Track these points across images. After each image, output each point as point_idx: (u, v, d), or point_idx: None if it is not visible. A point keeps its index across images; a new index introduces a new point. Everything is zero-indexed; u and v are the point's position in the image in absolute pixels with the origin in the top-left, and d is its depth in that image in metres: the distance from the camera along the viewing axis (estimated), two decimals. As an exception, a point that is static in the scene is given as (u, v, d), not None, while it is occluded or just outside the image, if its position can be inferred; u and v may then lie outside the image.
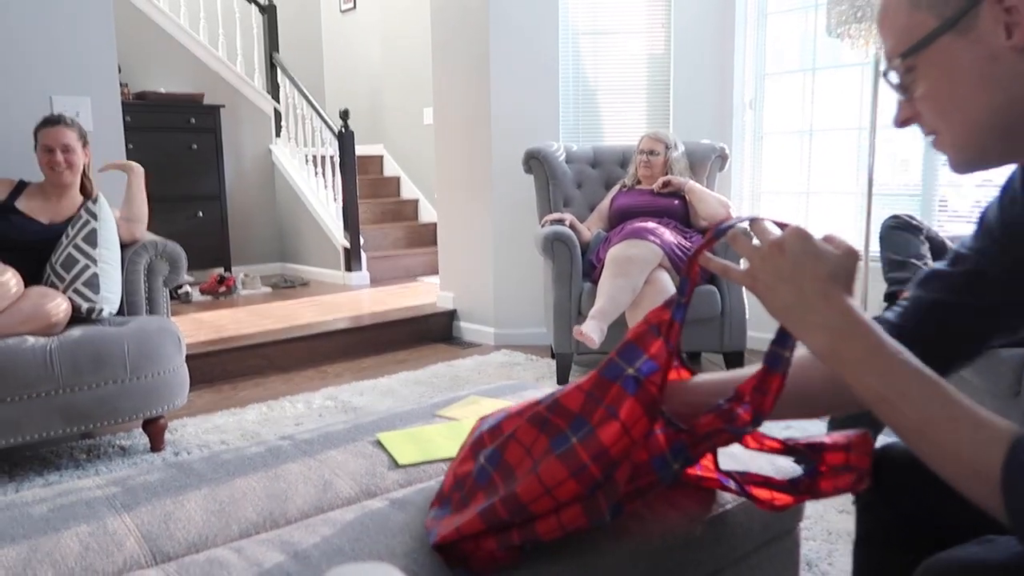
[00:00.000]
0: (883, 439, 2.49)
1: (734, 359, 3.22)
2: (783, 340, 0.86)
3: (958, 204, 3.42)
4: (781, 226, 0.77)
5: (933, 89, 0.71)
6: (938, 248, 2.38)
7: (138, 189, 2.75)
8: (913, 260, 2.27)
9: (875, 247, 3.02)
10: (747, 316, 3.22)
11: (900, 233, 2.36)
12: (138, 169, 2.78)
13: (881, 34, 0.76)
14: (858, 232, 3.63)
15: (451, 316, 4.35)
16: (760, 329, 3.91)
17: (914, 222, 2.38)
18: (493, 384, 1.79)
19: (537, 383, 3.25)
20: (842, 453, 0.93)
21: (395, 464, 1.32)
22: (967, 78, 0.68)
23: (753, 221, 0.79)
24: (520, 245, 4.06)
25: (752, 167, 4.07)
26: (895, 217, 2.40)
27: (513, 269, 4.08)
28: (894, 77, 0.75)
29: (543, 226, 3.37)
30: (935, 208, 3.42)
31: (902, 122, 0.77)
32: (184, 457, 1.34)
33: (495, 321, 4.11)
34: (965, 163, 0.74)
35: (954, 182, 3.41)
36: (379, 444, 1.39)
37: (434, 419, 1.53)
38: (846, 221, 3.74)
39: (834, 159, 3.79)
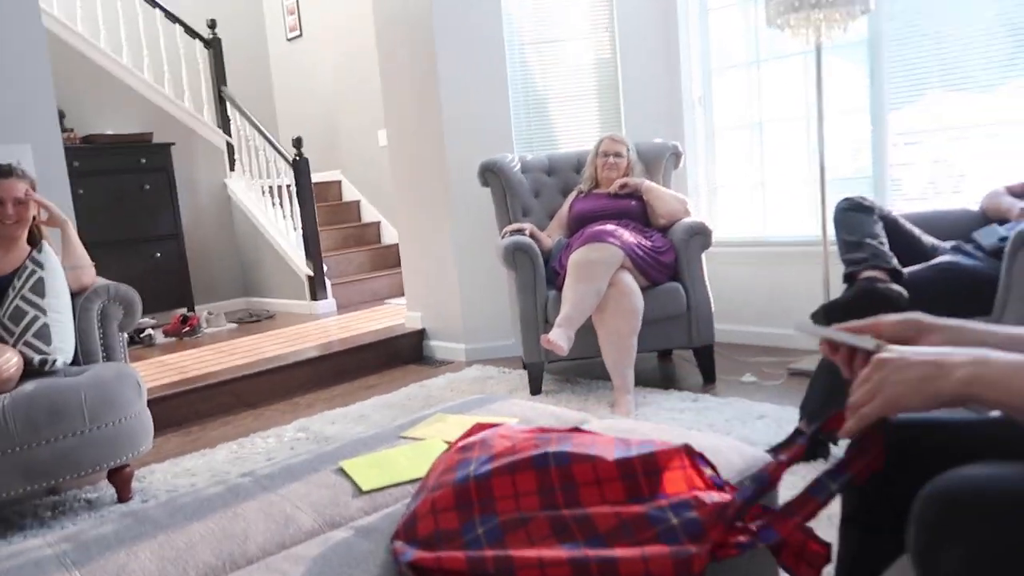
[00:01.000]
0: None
1: (704, 354, 3.22)
2: (837, 474, 0.88)
3: (910, 185, 3.47)
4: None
5: None
6: (892, 226, 2.40)
7: (71, 239, 2.68)
8: (868, 240, 2.28)
9: (832, 232, 3.04)
10: (713, 310, 3.23)
11: (853, 215, 2.38)
12: (65, 220, 2.70)
13: None
14: (814, 218, 3.67)
15: (420, 336, 4.31)
16: (727, 322, 3.93)
17: (866, 203, 2.40)
18: (460, 400, 1.76)
19: (510, 395, 3.23)
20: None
21: (359, 491, 1.29)
22: None
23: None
24: (483, 258, 4.04)
25: (706, 163, 4.09)
26: (847, 199, 2.42)
27: (478, 283, 4.06)
28: None
29: (503, 237, 3.35)
30: (888, 189, 3.47)
31: None
32: (138, 505, 1.29)
33: (465, 337, 4.08)
34: None
35: (906, 163, 3.46)
36: (342, 472, 1.35)
37: (398, 441, 1.50)
38: (801, 209, 3.78)
39: (786, 149, 3.83)
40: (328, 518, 1.22)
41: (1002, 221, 2.39)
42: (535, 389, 3.23)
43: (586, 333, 3.01)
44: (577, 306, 2.89)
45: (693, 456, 1.04)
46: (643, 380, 3.35)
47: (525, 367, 3.31)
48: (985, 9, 3.08)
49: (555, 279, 3.22)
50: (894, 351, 0.78)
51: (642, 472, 1.01)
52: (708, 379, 3.23)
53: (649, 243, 3.14)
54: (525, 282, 3.17)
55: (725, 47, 4.01)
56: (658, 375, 3.45)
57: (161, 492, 2.52)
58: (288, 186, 5.53)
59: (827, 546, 0.98)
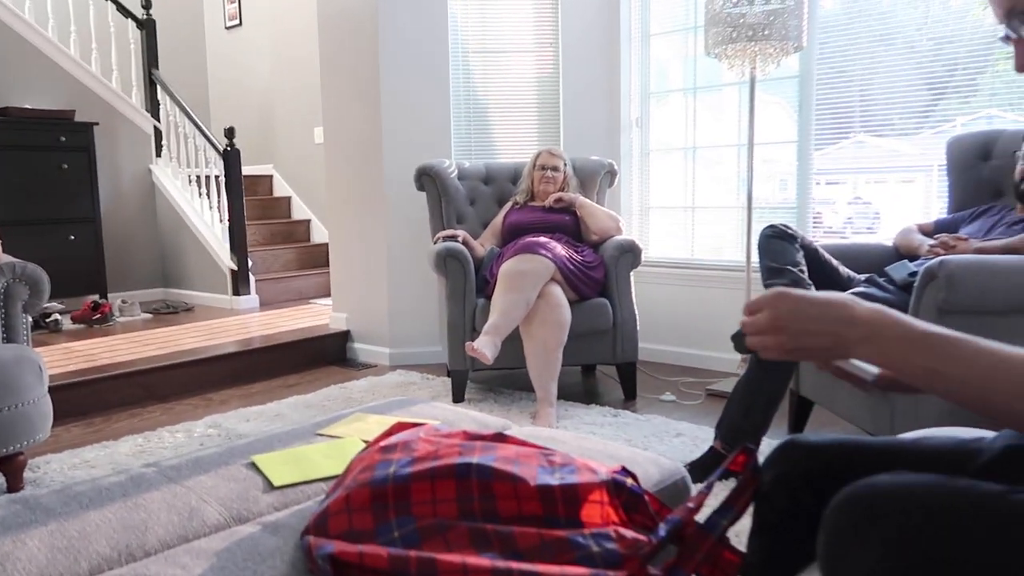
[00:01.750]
0: (768, 442, 2.57)
1: (626, 371, 3.26)
2: (725, 511, 0.93)
3: (831, 220, 3.61)
4: None
5: None
6: (812, 256, 2.48)
7: None
8: (789, 267, 2.36)
9: (756, 257, 3.13)
10: (638, 328, 3.28)
11: (777, 242, 2.45)
12: None
13: (995, 3, 0.80)
14: (740, 243, 3.78)
15: (345, 338, 4.24)
16: (651, 341, 4.00)
17: (789, 231, 2.48)
18: (381, 400, 1.73)
19: (433, 400, 3.20)
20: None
21: (270, 486, 1.25)
22: None
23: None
24: (414, 263, 4.00)
25: (640, 183, 4.17)
26: (772, 227, 2.49)
27: (408, 288, 4.02)
28: (1020, 24, 0.78)
29: (436, 243, 3.33)
30: (809, 222, 3.60)
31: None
32: (29, 492, 1.22)
33: (390, 341, 4.03)
34: None
35: (827, 200, 3.60)
36: (254, 467, 1.31)
37: (315, 438, 1.46)
38: (728, 234, 3.88)
39: (717, 175, 3.94)
40: (235, 512, 1.17)
41: (913, 257, 2.50)
42: (458, 397, 3.21)
43: (513, 343, 3.02)
44: (505, 315, 2.89)
45: (612, 492, 1.04)
46: (566, 394, 3.37)
47: (449, 374, 3.29)
48: (907, 61, 3.25)
49: (485, 288, 3.21)
50: (791, 305, 0.79)
51: (561, 500, 1.02)
52: (629, 396, 3.28)
53: (580, 258, 3.17)
54: (455, 289, 3.16)
55: (664, 72, 4.11)
56: (581, 389, 3.48)
57: (56, 483, 2.38)
58: (217, 177, 5.37)
59: (740, 555, 1.00)
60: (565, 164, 3.49)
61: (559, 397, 3.25)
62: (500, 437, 1.23)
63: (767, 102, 3.74)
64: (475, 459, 1.06)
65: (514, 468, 1.05)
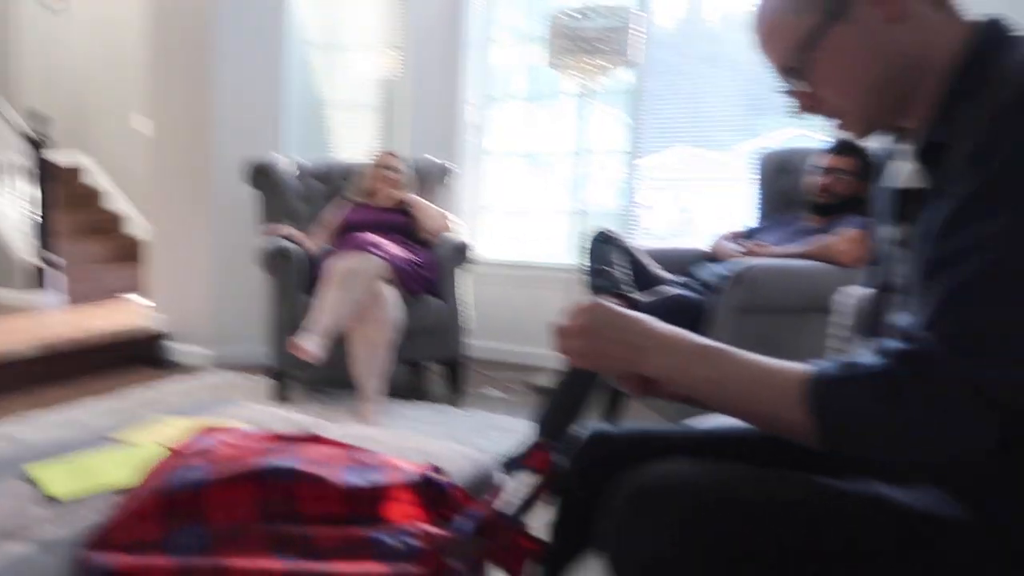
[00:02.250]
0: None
1: (455, 368, 3.28)
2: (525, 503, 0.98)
3: (655, 225, 3.83)
4: None
5: (832, 72, 0.81)
6: (633, 259, 2.61)
7: None
8: (612, 269, 2.47)
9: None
10: (470, 326, 3.30)
11: (601, 246, 2.57)
12: None
13: (770, 52, 0.86)
14: (568, 245, 3.91)
15: (161, 337, 3.96)
16: (479, 338, 4.04)
17: (614, 236, 2.60)
18: (188, 405, 1.63)
19: (246, 402, 3.06)
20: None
21: (48, 500, 1.13)
22: (857, 55, 0.80)
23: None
24: (241, 260, 3.81)
25: (476, 184, 4.21)
26: (598, 232, 2.61)
27: (234, 286, 3.82)
28: (794, 79, 0.84)
29: (265, 239, 3.19)
30: (635, 227, 3.78)
31: (805, 111, 0.87)
32: None
33: (212, 341, 3.81)
34: (866, 130, 0.85)
35: (652, 204, 3.80)
36: (29, 478, 1.18)
37: (106, 444, 1.34)
38: (559, 236, 4.01)
39: (550, 180, 4.06)
40: (5, 530, 1.05)
41: (722, 261, 2.69)
42: (281, 397, 3.09)
43: (341, 342, 2.94)
44: (333, 314, 2.82)
45: (418, 491, 1.04)
46: (392, 391, 3.32)
47: (273, 375, 3.16)
48: (731, 81, 3.50)
49: (314, 286, 3.11)
50: (601, 315, 0.85)
51: (367, 500, 1.01)
52: (456, 392, 3.30)
53: (412, 256, 3.15)
54: (283, 287, 3.04)
55: (505, 78, 4.18)
56: (408, 386, 3.46)
57: None
58: (18, 163, 4.86)
59: (541, 543, 1.02)
60: (403, 165, 3.46)
61: (386, 395, 3.21)
62: (311, 438, 1.20)
63: (602, 112, 3.90)
64: (278, 462, 1.02)
65: (319, 470, 1.02)
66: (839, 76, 0.81)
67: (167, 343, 3.96)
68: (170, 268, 3.95)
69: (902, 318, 0.86)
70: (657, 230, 3.81)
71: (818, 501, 0.76)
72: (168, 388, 3.32)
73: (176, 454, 1.12)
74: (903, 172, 0.85)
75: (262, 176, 3.41)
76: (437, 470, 1.11)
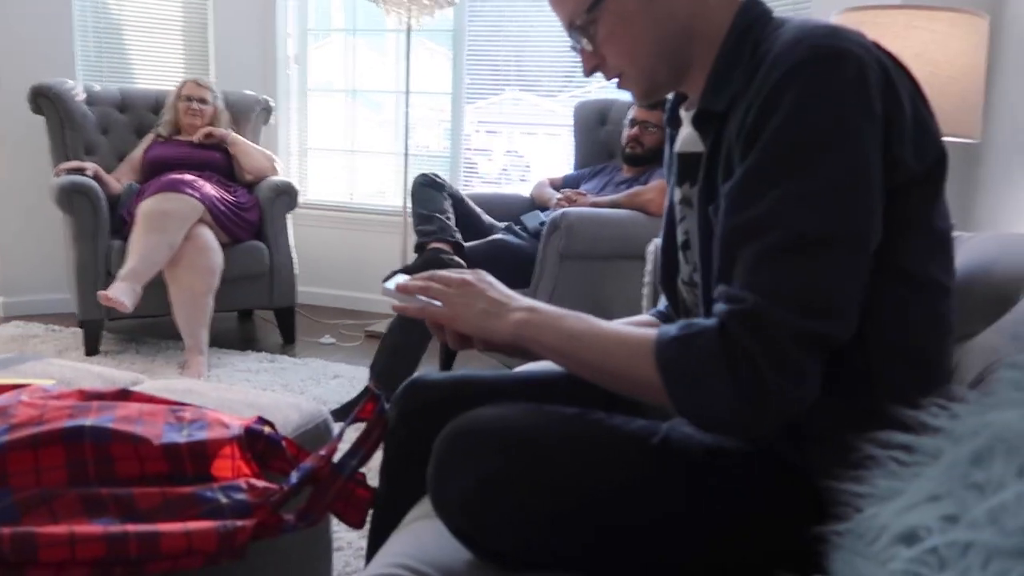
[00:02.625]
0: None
1: (285, 315, 3.21)
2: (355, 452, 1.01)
3: (488, 169, 3.88)
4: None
5: (613, 34, 0.85)
6: (459, 204, 2.66)
7: None
8: (437, 215, 2.50)
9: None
10: (296, 272, 3.23)
11: (427, 190, 2.58)
12: None
13: (558, 7, 0.88)
14: (397, 189, 3.89)
15: (-61, 285, 3.55)
16: (310, 285, 3.97)
17: (439, 180, 2.62)
18: (-19, 361, 1.50)
19: (59, 355, 2.85)
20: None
21: None
22: (636, 19, 0.84)
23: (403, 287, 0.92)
24: (32, 198, 3.46)
25: (298, 123, 4.06)
26: (423, 175, 2.61)
27: (24, 226, 3.47)
28: (579, 36, 0.87)
29: (58, 176, 2.91)
30: (462, 171, 3.82)
31: (590, 71, 0.91)
32: None
33: (3, 288, 3.47)
34: (646, 92, 0.90)
35: (484, 150, 3.85)
36: None
37: None
38: (387, 179, 3.97)
39: (376, 121, 3.99)
40: None
41: (544, 208, 2.80)
42: (91, 349, 2.90)
43: (157, 289, 2.78)
44: (146, 259, 2.66)
45: (243, 446, 1.04)
46: (220, 341, 3.21)
47: (81, 325, 2.94)
48: (554, 25, 3.56)
49: (122, 228, 2.91)
50: (481, 279, 0.89)
51: (188, 457, 0.99)
52: (288, 340, 3.24)
53: (232, 198, 3.02)
54: (84, 229, 2.81)
55: (324, 9, 4.01)
56: (237, 336, 3.35)
57: None
58: None
59: (372, 490, 1.07)
60: (215, 97, 3.26)
61: (213, 345, 3.09)
62: (124, 394, 1.15)
63: (432, 51, 3.85)
64: (89, 421, 0.98)
65: (136, 428, 1.00)
66: (619, 38, 0.87)
67: (-55, 290, 3.56)
68: (-55, 206, 3.52)
69: (684, 270, 0.97)
70: (489, 175, 3.87)
71: (601, 436, 0.84)
72: (-50, 341, 3.00)
73: (-33, 417, 1.04)
74: (683, 136, 0.95)
75: (48, 104, 3.08)
76: (264, 422, 1.12)
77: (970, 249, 1.07)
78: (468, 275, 0.90)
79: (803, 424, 0.80)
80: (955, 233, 0.86)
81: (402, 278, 0.96)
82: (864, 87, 0.72)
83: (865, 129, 0.72)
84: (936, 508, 0.46)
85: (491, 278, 0.90)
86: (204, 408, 1.13)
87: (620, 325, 0.83)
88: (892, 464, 0.54)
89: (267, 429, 1.11)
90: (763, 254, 0.72)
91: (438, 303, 0.90)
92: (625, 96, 3.35)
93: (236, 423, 1.08)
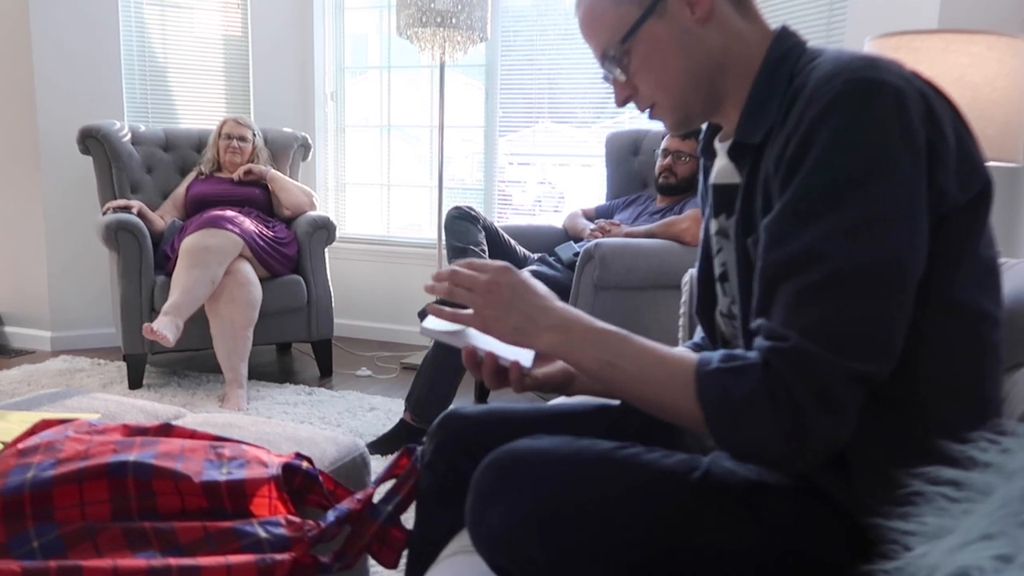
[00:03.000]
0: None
1: (322, 348, 3.24)
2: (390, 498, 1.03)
3: (521, 200, 3.90)
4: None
5: (646, 64, 0.86)
6: (492, 236, 2.68)
7: None
8: (471, 247, 2.52)
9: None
10: (334, 304, 3.27)
11: (461, 223, 2.60)
12: None
13: (591, 38, 0.89)
14: (432, 221, 3.93)
15: (-9, 321, 3.66)
16: (347, 317, 4.01)
17: (473, 212, 2.64)
18: (30, 395, 1.54)
19: (104, 389, 2.91)
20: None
21: None
22: (670, 50, 0.85)
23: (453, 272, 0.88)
24: (80, 236, 3.57)
25: (335, 158, 4.14)
26: (456, 208, 2.64)
27: (73, 263, 3.58)
28: (612, 67, 0.88)
29: (105, 214, 3.00)
30: (496, 202, 3.85)
31: (623, 101, 0.91)
32: None
33: (51, 323, 3.56)
34: (678, 123, 0.90)
35: (517, 180, 3.88)
36: None
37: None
38: (422, 212, 4.02)
39: (411, 154, 4.04)
40: None
41: (578, 239, 2.81)
42: (135, 383, 2.95)
43: (199, 323, 2.84)
44: (188, 294, 2.71)
45: (280, 486, 1.05)
46: (259, 373, 3.26)
47: (125, 359, 3.00)
48: (586, 56, 3.60)
49: (166, 264, 2.98)
50: (510, 281, 0.85)
51: (227, 495, 1.00)
52: (325, 373, 3.27)
53: (271, 233, 3.07)
54: (129, 265, 2.88)
55: (360, 47, 4.10)
56: (275, 368, 3.39)
57: None
58: None
59: (407, 531, 1.07)
60: (255, 134, 3.34)
61: (252, 377, 3.13)
62: (166, 429, 1.17)
63: (467, 85, 3.91)
64: (132, 456, 1.00)
65: (177, 464, 1.01)
66: (652, 68, 0.87)
67: (1, 328, 3.67)
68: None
69: (722, 302, 0.96)
70: (523, 206, 3.90)
71: (642, 471, 0.82)
72: (3, 376, 3.08)
73: (14, 451, 1.07)
74: (718, 167, 0.94)
75: (96, 144, 3.18)
76: (301, 457, 1.13)
77: (1016, 275, 1.05)
78: (495, 274, 0.86)
79: (849, 459, 0.78)
80: (1000, 260, 0.84)
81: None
82: (905, 118, 0.71)
83: (906, 161, 0.70)
84: (989, 547, 0.45)
85: (520, 276, 0.87)
86: (244, 444, 1.14)
87: (659, 346, 0.80)
88: (941, 501, 0.52)
89: (305, 464, 1.12)
90: (804, 290, 0.71)
91: (469, 329, 0.89)
92: (657, 126, 3.37)
93: (275, 461, 1.09)
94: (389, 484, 1.08)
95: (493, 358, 0.89)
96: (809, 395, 0.69)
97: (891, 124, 0.70)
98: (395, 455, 1.09)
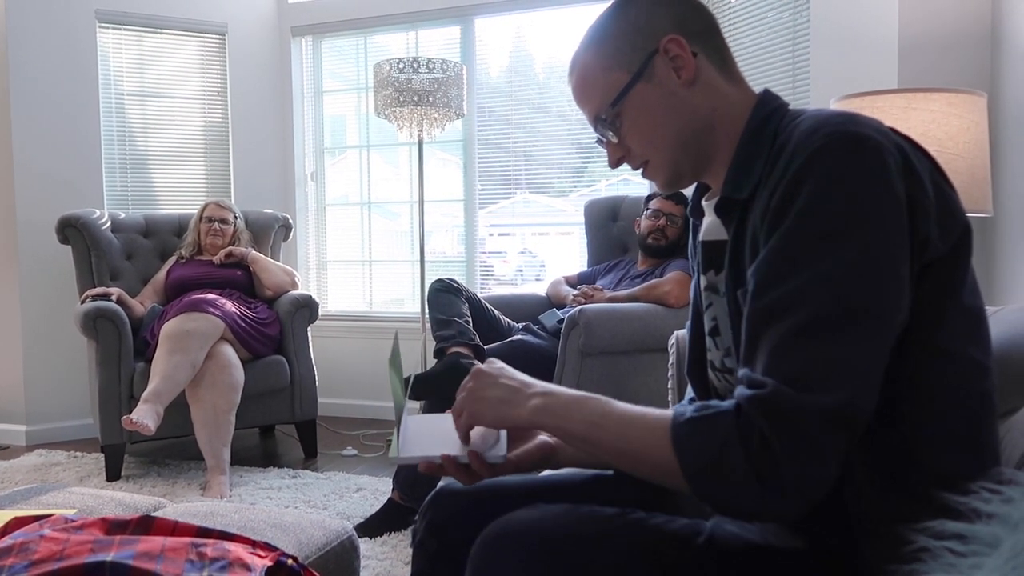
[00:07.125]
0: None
1: (306, 429, 3.18)
2: None
3: (503, 270, 3.92)
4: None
5: (636, 126, 0.90)
6: (476, 307, 2.67)
7: None
8: (455, 319, 2.50)
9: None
10: (317, 383, 3.23)
11: (444, 295, 2.60)
12: None
13: (584, 104, 0.93)
14: (415, 295, 3.92)
15: (-35, 417, 3.57)
16: (331, 396, 3.96)
17: (455, 284, 2.64)
18: (3, 492, 1.48)
19: (81, 482, 2.82)
20: None
21: None
22: (658, 111, 0.88)
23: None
24: (57, 326, 3.53)
25: (316, 237, 4.15)
26: (439, 281, 2.64)
27: (50, 355, 3.52)
28: (605, 129, 0.92)
29: (84, 302, 2.97)
30: (478, 273, 3.87)
31: (616, 162, 0.95)
32: None
33: (26, 417, 3.48)
34: (669, 181, 0.93)
35: (499, 251, 3.90)
36: None
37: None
38: (404, 286, 4.02)
39: (392, 229, 4.07)
40: None
41: (561, 306, 2.81)
42: (113, 474, 2.87)
43: (179, 409, 2.78)
44: (169, 379, 2.67)
45: None
46: (242, 458, 3.18)
47: (103, 450, 2.93)
48: (559, 128, 3.68)
49: (146, 350, 2.94)
50: (494, 365, 0.89)
51: None
52: (310, 454, 3.20)
53: (253, 314, 3.05)
54: (108, 353, 2.84)
55: (339, 128, 4.17)
56: (259, 452, 3.31)
57: None
58: None
59: None
60: (236, 216, 3.35)
61: (234, 462, 3.06)
62: (146, 522, 1.13)
63: (444, 160, 3.97)
64: (110, 556, 0.96)
65: (156, 565, 0.97)
66: (642, 129, 0.90)
67: (-29, 422, 3.57)
68: (-27, 338, 3.58)
69: (715, 356, 0.96)
70: (505, 276, 3.91)
71: (644, 537, 0.81)
72: (-26, 473, 2.98)
73: (-14, 553, 1.02)
74: (707, 225, 0.96)
75: (75, 233, 3.17)
76: (286, 556, 1.08)
77: (999, 322, 1.05)
78: (481, 366, 0.90)
79: (852, 517, 0.77)
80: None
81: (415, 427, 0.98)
82: (884, 170, 0.73)
83: (887, 211, 0.72)
84: (1003, 603, 0.43)
85: (503, 365, 0.90)
86: (227, 543, 1.09)
87: (641, 408, 0.81)
88: (949, 556, 0.51)
89: (290, 562, 1.08)
90: (784, 337, 0.72)
91: (440, 453, 0.90)
92: (636, 192, 3.43)
93: (258, 564, 1.05)
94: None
95: (451, 459, 0.90)
96: (784, 439, 0.69)
97: (872, 175, 0.72)
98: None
